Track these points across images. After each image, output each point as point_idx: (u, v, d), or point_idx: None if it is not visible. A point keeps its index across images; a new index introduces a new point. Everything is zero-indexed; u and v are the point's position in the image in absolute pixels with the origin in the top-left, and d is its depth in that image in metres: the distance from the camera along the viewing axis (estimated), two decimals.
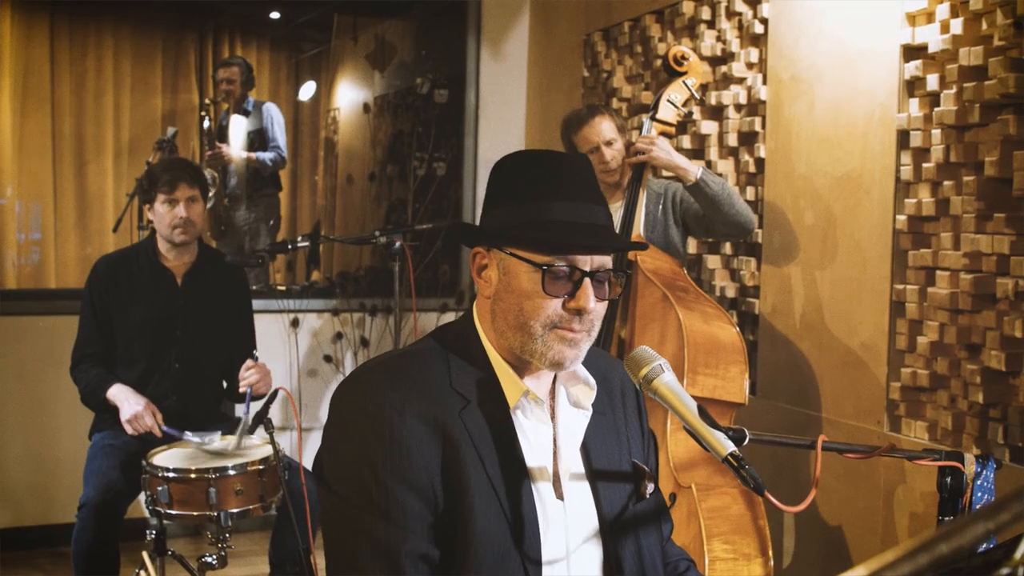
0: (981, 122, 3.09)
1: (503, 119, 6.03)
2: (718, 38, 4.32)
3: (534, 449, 1.75)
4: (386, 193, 6.63)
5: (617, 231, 3.54)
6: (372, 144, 6.92)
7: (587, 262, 1.69)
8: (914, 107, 3.36)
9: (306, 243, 4.07)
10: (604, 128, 3.71)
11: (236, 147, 6.33)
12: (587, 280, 1.68)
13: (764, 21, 4.06)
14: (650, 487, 1.87)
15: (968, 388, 3.19)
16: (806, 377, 3.84)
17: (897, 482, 3.43)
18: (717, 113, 4.35)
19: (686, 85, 3.61)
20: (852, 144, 3.60)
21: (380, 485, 1.62)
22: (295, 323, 5.56)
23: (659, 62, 4.73)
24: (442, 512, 1.66)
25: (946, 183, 3.24)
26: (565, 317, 1.68)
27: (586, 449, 1.83)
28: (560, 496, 1.76)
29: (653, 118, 3.62)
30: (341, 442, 1.71)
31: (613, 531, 1.80)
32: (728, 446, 1.56)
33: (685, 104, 3.67)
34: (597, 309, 1.71)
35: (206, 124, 6.67)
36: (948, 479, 2.06)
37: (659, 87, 4.71)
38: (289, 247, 4.10)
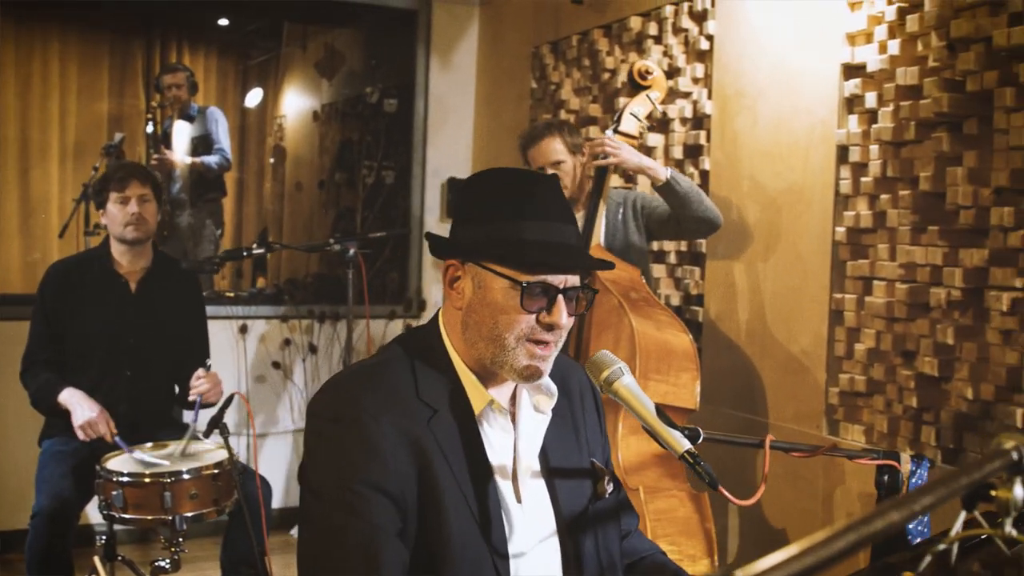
0: (916, 139, 3.23)
1: (452, 129, 6.10)
2: (665, 53, 4.43)
3: (497, 454, 1.85)
4: (334, 201, 6.67)
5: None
6: (320, 152, 6.95)
7: (561, 280, 1.78)
8: (853, 124, 3.50)
9: (262, 250, 4.11)
10: (552, 149, 3.79)
11: (180, 152, 6.33)
12: (560, 297, 1.78)
13: (710, 38, 4.18)
14: (609, 486, 1.96)
15: (903, 393, 3.32)
16: (749, 383, 3.96)
17: (836, 484, 3.56)
18: (663, 126, 4.47)
19: (650, 99, 3.70)
20: (794, 158, 3.73)
21: (358, 488, 1.69)
22: (243, 329, 5.58)
23: (607, 75, 4.85)
24: (416, 518, 1.74)
25: (883, 197, 3.38)
26: (537, 329, 1.78)
27: (545, 452, 1.92)
28: (519, 498, 1.85)
29: (616, 130, 3.70)
30: (322, 448, 1.78)
31: (572, 529, 1.89)
32: (684, 444, 1.66)
33: (648, 117, 3.76)
34: (567, 323, 1.81)
35: (149, 129, 6.66)
36: (885, 477, 2.18)
37: (606, 100, 4.85)
38: (245, 254, 4.13)
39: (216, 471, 3.44)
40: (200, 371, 3.72)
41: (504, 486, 1.84)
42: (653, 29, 4.50)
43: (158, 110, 6.65)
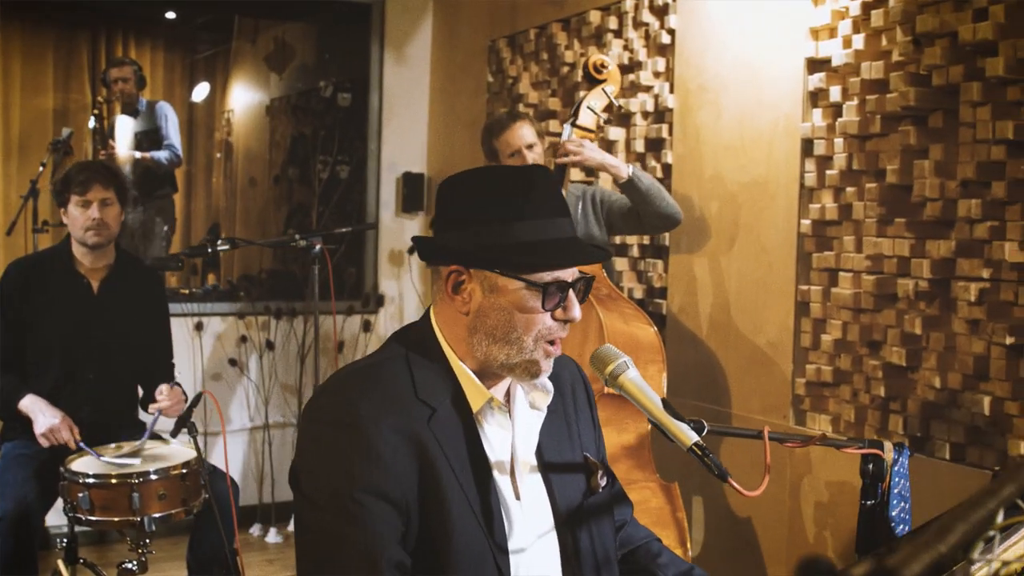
0: (882, 132, 3.29)
1: (407, 123, 6.08)
2: (625, 47, 4.45)
3: (495, 451, 1.85)
4: (286, 196, 6.61)
5: None
6: (270, 146, 6.88)
7: (570, 275, 1.80)
8: (817, 117, 3.55)
9: (226, 246, 4.04)
10: (525, 133, 3.81)
11: (123, 148, 6.23)
12: (572, 291, 1.80)
13: (671, 32, 4.21)
14: (603, 480, 1.97)
15: (870, 382, 3.38)
16: (714, 375, 4.00)
17: (803, 473, 3.61)
18: (624, 120, 4.49)
19: (605, 92, 3.73)
20: (758, 152, 3.77)
21: (358, 496, 1.68)
22: (199, 327, 5.51)
23: (566, 69, 4.86)
24: (419, 521, 1.73)
25: (848, 189, 3.44)
26: (554, 327, 1.80)
27: (540, 448, 1.92)
28: (518, 495, 1.85)
29: (574, 124, 3.72)
30: (318, 453, 1.76)
31: (569, 524, 1.90)
32: (692, 436, 1.68)
33: (604, 111, 3.79)
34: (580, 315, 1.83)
35: (92, 124, 6.54)
36: (870, 465, 2.22)
37: (566, 94, 4.86)
38: (209, 250, 4.07)
39: (184, 471, 3.39)
40: (163, 386, 3.66)
41: (503, 483, 1.84)
42: (613, 23, 4.52)
43: (104, 105, 6.53)
